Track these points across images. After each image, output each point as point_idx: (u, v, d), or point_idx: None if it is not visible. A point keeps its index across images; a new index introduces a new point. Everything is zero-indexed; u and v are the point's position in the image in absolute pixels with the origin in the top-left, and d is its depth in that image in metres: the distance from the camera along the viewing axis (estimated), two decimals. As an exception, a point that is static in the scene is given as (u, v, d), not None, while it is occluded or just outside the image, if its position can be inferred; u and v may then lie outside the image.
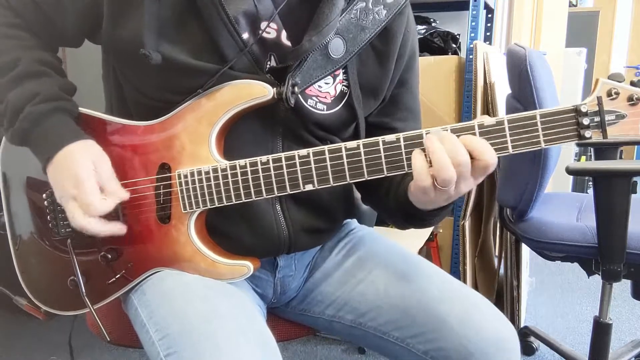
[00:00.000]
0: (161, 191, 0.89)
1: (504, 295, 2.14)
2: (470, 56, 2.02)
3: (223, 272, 0.90)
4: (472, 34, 2.05)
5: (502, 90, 2.05)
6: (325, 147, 0.81)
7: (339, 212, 1.05)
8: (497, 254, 2.47)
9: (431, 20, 2.39)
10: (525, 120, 0.75)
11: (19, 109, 0.87)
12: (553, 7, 3.31)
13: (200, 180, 0.86)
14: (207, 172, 0.86)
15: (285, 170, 0.83)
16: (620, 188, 1.40)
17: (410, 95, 1.05)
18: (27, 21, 0.94)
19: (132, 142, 0.91)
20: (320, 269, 1.07)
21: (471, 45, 2.03)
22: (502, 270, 2.27)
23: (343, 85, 0.95)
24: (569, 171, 1.46)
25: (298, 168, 0.83)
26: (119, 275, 0.93)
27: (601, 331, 1.60)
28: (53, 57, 0.96)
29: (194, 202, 0.87)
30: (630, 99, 0.74)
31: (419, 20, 2.34)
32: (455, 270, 2.14)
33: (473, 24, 2.05)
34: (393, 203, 0.96)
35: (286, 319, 1.12)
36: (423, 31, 2.31)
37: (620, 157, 2.09)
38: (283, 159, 0.83)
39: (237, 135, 0.89)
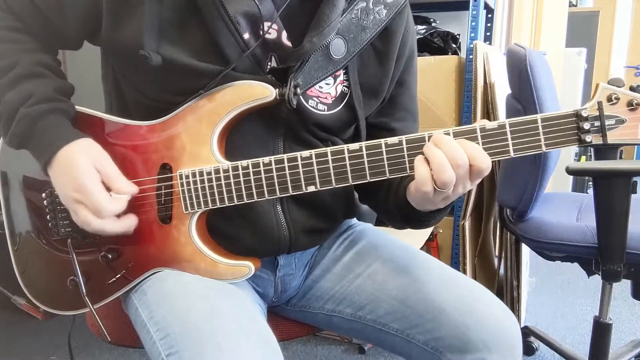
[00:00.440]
0: (162, 191, 0.89)
1: (504, 295, 2.14)
2: (470, 56, 2.02)
3: (224, 273, 0.90)
4: (472, 34, 2.05)
5: (502, 90, 2.05)
6: (328, 149, 0.81)
7: (340, 212, 1.05)
8: (497, 254, 2.47)
9: (431, 20, 2.39)
10: (526, 124, 0.76)
11: (13, 111, 0.87)
12: (553, 7, 3.31)
13: (202, 181, 0.86)
14: (209, 173, 0.86)
15: (287, 172, 0.83)
16: (620, 188, 1.40)
17: (409, 95, 1.05)
18: (27, 24, 0.94)
19: (133, 142, 0.91)
20: (320, 265, 1.07)
21: (471, 45, 2.03)
22: (502, 270, 2.27)
23: (344, 85, 0.95)
24: (569, 171, 1.46)
25: (300, 169, 0.83)
26: (119, 275, 0.93)
27: (601, 331, 1.60)
28: (52, 60, 0.96)
29: (195, 203, 0.87)
30: (630, 104, 0.75)
31: (419, 20, 2.34)
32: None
33: (473, 24, 2.05)
34: (392, 203, 0.97)
35: (286, 317, 1.12)
36: (423, 31, 2.31)
37: (620, 157, 2.08)
38: (285, 160, 0.83)
39: (238, 136, 0.89)
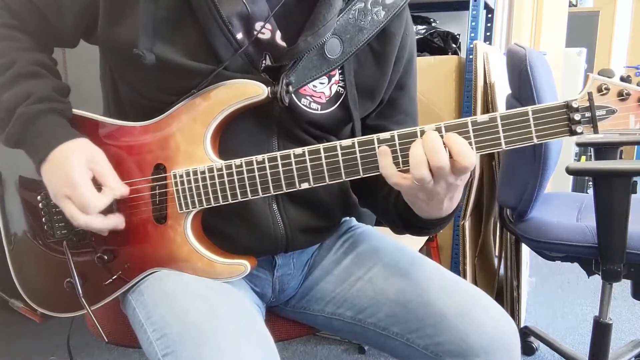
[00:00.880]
0: (157, 191, 0.89)
1: (504, 295, 2.14)
2: (470, 56, 2.02)
3: (220, 272, 0.90)
4: (472, 34, 2.05)
5: (502, 90, 2.05)
6: (321, 146, 0.81)
7: (336, 210, 1.05)
8: (497, 254, 2.47)
9: (431, 20, 2.38)
10: (517, 117, 0.76)
11: (11, 110, 0.87)
12: (553, 7, 3.31)
13: (196, 180, 0.86)
14: (203, 172, 0.86)
15: (281, 169, 0.83)
16: (620, 188, 1.40)
17: (408, 99, 1.05)
18: (24, 22, 0.94)
19: (126, 142, 0.91)
20: (319, 267, 1.07)
21: (471, 45, 2.02)
22: (502, 270, 2.27)
23: (339, 86, 0.95)
24: (569, 171, 1.46)
25: (294, 167, 0.83)
26: (115, 276, 0.93)
27: (601, 331, 1.60)
28: (49, 59, 0.96)
29: (189, 202, 0.87)
30: (620, 94, 0.75)
31: (419, 20, 2.34)
32: (455, 270, 2.14)
33: (473, 24, 2.05)
34: (393, 209, 0.97)
35: (286, 317, 1.12)
36: (423, 31, 2.31)
37: (620, 157, 2.08)
38: (279, 158, 0.83)
39: (232, 135, 0.89)
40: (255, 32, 0.87)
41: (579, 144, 2.98)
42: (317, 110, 0.93)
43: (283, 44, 0.90)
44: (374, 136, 0.80)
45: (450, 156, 0.75)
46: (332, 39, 0.89)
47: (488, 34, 2.47)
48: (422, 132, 0.78)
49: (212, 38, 0.85)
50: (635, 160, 5.11)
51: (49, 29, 0.94)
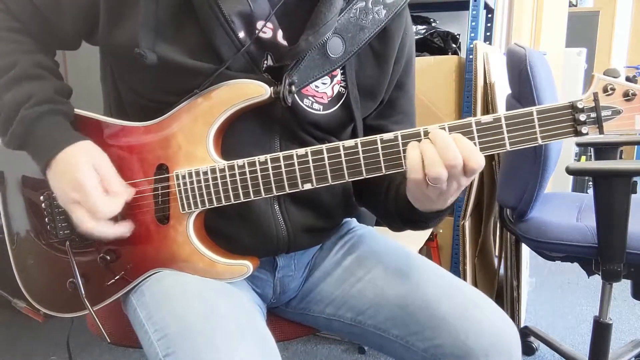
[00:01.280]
0: (159, 192, 0.89)
1: (504, 295, 2.14)
2: (470, 56, 2.02)
3: (222, 272, 0.90)
4: (472, 34, 2.05)
5: (502, 90, 2.05)
6: (324, 146, 0.81)
7: (338, 211, 1.05)
8: (497, 254, 2.47)
9: (431, 20, 2.38)
10: (522, 117, 0.76)
11: (13, 112, 0.87)
12: (553, 7, 3.31)
13: (199, 181, 0.86)
14: (205, 173, 0.86)
15: (283, 170, 0.83)
16: (620, 188, 1.40)
17: (407, 98, 1.05)
18: (25, 24, 0.94)
19: (129, 143, 0.91)
20: (320, 268, 1.07)
21: (471, 45, 2.03)
22: (502, 270, 2.27)
23: (341, 86, 0.95)
24: (569, 171, 1.46)
25: (296, 167, 0.83)
26: (118, 277, 0.93)
27: (601, 331, 1.60)
28: (50, 61, 0.96)
29: (192, 203, 0.87)
30: (625, 94, 0.75)
31: (419, 20, 2.34)
32: (455, 270, 2.14)
33: (473, 24, 2.05)
34: (391, 203, 0.96)
35: (286, 318, 1.12)
36: (423, 31, 2.31)
37: (620, 157, 2.09)
38: (281, 159, 0.83)
39: (234, 135, 0.89)
40: (257, 31, 0.87)
41: (579, 144, 2.98)
42: (320, 110, 0.93)
43: (284, 42, 0.90)
44: (377, 137, 0.80)
45: None
46: (334, 38, 0.89)
47: (488, 34, 2.47)
48: (426, 133, 0.78)
49: (214, 37, 0.85)
50: (635, 160, 5.11)
51: (50, 30, 0.94)
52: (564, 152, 2.07)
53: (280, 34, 0.90)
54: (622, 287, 1.79)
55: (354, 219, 1.18)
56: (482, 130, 0.77)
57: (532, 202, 1.64)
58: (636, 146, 5.40)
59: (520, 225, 1.70)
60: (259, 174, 0.84)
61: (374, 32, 0.92)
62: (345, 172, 0.82)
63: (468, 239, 2.10)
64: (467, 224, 2.09)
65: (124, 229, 0.89)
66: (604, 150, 1.97)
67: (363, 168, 0.81)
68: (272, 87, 0.84)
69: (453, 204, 0.87)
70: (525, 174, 1.64)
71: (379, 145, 0.80)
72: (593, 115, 0.75)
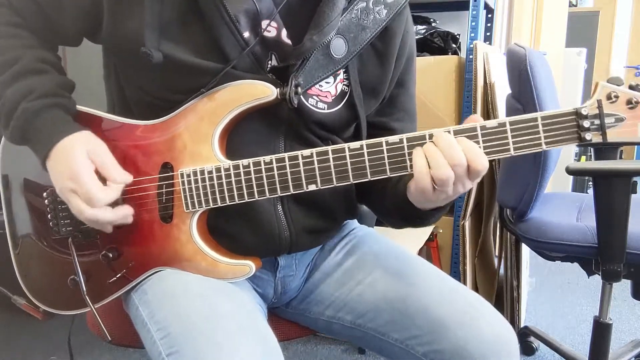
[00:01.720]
0: (163, 190, 0.89)
1: (504, 295, 2.14)
2: (470, 56, 2.02)
3: (224, 272, 0.90)
4: (472, 34, 2.05)
5: (502, 90, 2.06)
6: (329, 148, 0.81)
7: (340, 212, 1.05)
8: (497, 254, 2.47)
9: (431, 20, 2.39)
10: (526, 122, 0.76)
11: (15, 106, 0.87)
12: (553, 7, 3.31)
13: (203, 180, 0.87)
14: (210, 172, 0.86)
15: (288, 170, 0.83)
16: (620, 188, 1.40)
17: (408, 96, 1.05)
18: (27, 20, 0.94)
19: (134, 141, 0.91)
20: (320, 269, 1.07)
21: (471, 45, 2.03)
22: (502, 270, 2.27)
23: (344, 84, 0.95)
24: (569, 171, 1.46)
25: (301, 168, 0.83)
26: (119, 275, 0.94)
27: (601, 331, 1.60)
28: (53, 56, 0.96)
29: (196, 202, 0.88)
30: (629, 102, 0.75)
31: (419, 20, 2.34)
32: (455, 270, 2.14)
33: (473, 24, 2.05)
34: (390, 201, 0.97)
35: (286, 319, 1.12)
36: (423, 31, 2.31)
37: (620, 157, 2.08)
38: (286, 159, 0.83)
39: (239, 135, 0.89)
40: (261, 30, 0.87)
41: (579, 144, 2.98)
42: (324, 109, 0.93)
43: (289, 42, 0.90)
44: (383, 139, 0.80)
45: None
46: (337, 38, 0.89)
47: (488, 34, 2.47)
48: (431, 136, 0.78)
49: (219, 36, 0.85)
50: (635, 160, 5.11)
51: (51, 27, 0.94)
52: (564, 152, 2.07)
53: (284, 33, 0.90)
54: (622, 287, 1.79)
55: (355, 220, 1.18)
56: (487, 134, 0.77)
57: (532, 202, 1.65)
58: (636, 146, 5.41)
59: (520, 225, 1.70)
60: (263, 174, 0.84)
61: (376, 32, 0.92)
62: (350, 174, 0.82)
63: (468, 239, 2.10)
64: (467, 224, 2.09)
65: (124, 211, 0.89)
66: (604, 150, 1.97)
67: (368, 170, 0.81)
68: (278, 89, 0.84)
69: (452, 201, 0.87)
70: (525, 174, 1.64)
71: (384, 148, 0.80)
72: (597, 122, 0.75)
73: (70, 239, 0.94)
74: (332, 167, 0.82)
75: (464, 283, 2.10)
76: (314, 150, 0.82)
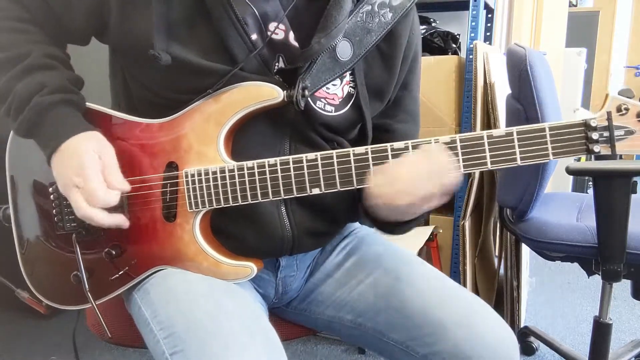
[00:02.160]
0: (168, 189, 0.90)
1: (504, 296, 2.14)
2: (470, 56, 2.02)
3: (226, 273, 0.90)
4: (472, 34, 2.05)
5: (502, 90, 2.06)
6: (334, 152, 0.82)
7: (343, 215, 1.05)
8: (497, 254, 2.48)
9: (431, 20, 2.39)
10: (534, 132, 0.76)
11: (25, 100, 0.87)
12: (553, 7, 3.31)
13: (207, 180, 0.87)
14: (215, 172, 0.86)
15: (292, 174, 0.83)
16: (620, 188, 1.40)
17: (411, 98, 1.05)
18: (36, 17, 0.94)
19: (140, 139, 0.91)
20: (321, 269, 1.07)
21: (471, 45, 2.03)
22: (502, 270, 2.27)
23: (350, 87, 0.95)
24: (569, 171, 1.46)
25: (305, 171, 0.83)
26: (122, 272, 0.94)
27: (601, 331, 1.60)
28: (62, 52, 0.96)
29: (200, 202, 0.88)
30: (639, 115, 0.75)
31: (419, 20, 2.34)
32: (455, 271, 2.14)
33: (473, 24, 2.05)
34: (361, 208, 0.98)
35: (286, 319, 1.12)
36: (423, 31, 2.31)
37: (620, 158, 2.09)
38: (291, 162, 0.83)
39: (245, 136, 0.89)
40: (269, 32, 0.87)
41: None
42: (331, 112, 0.93)
43: (296, 44, 0.90)
44: (388, 145, 0.81)
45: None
46: (343, 41, 0.89)
47: (488, 34, 2.47)
48: (437, 142, 0.79)
49: (227, 38, 0.85)
50: (635, 160, 5.12)
51: (59, 24, 0.94)
52: (564, 152, 2.06)
53: (291, 35, 0.90)
54: (622, 287, 1.79)
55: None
56: (494, 143, 0.77)
57: (532, 202, 1.65)
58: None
59: (520, 225, 1.70)
60: (267, 176, 0.84)
61: (381, 35, 0.93)
62: (354, 179, 0.82)
63: (468, 239, 2.10)
64: (467, 224, 2.09)
65: (120, 219, 0.89)
66: (604, 150, 1.96)
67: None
68: (285, 91, 0.85)
69: (423, 215, 0.90)
70: (525, 174, 1.64)
71: (389, 154, 0.81)
72: (606, 134, 0.75)
73: (74, 235, 0.94)
74: (336, 171, 0.82)
75: (464, 283, 2.10)
76: (319, 154, 0.82)
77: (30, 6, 0.94)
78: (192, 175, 0.88)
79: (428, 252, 2.18)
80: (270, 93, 0.85)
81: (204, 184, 0.87)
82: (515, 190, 1.69)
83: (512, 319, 2.11)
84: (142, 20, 0.86)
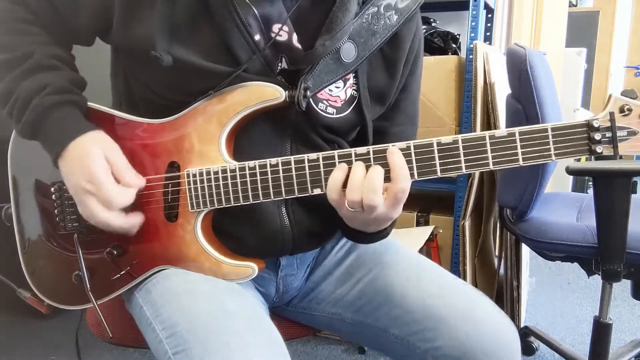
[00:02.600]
0: (169, 189, 0.90)
1: (504, 296, 2.14)
2: (470, 56, 2.02)
3: (227, 273, 0.90)
4: (472, 34, 2.05)
5: (502, 90, 2.06)
6: (335, 152, 0.82)
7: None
8: (497, 254, 2.48)
9: (431, 20, 2.39)
10: (536, 133, 0.76)
11: (28, 100, 0.87)
12: (553, 7, 3.32)
13: (209, 180, 0.87)
14: (216, 172, 0.86)
15: (294, 174, 0.83)
16: (620, 188, 1.40)
17: (411, 101, 1.05)
18: (41, 17, 0.94)
19: (142, 139, 0.91)
20: (321, 267, 1.07)
21: (471, 45, 2.03)
22: (502, 270, 2.27)
23: (353, 89, 0.95)
24: (569, 171, 1.46)
25: (307, 172, 0.83)
26: (123, 272, 0.94)
27: (601, 331, 1.60)
28: (65, 53, 0.96)
29: (201, 202, 0.88)
30: None
31: (420, 20, 2.34)
32: (455, 270, 2.14)
33: (473, 24, 2.05)
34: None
35: (287, 318, 1.13)
36: (423, 31, 2.31)
37: (620, 157, 2.09)
38: (292, 162, 0.83)
39: (246, 137, 0.90)
40: (273, 34, 0.87)
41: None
42: (333, 114, 0.93)
43: (299, 46, 0.90)
44: (389, 145, 0.80)
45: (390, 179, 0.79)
46: (347, 43, 0.89)
47: (488, 34, 2.47)
48: (439, 143, 0.79)
49: (230, 39, 0.85)
50: (635, 161, 5.12)
51: (65, 25, 0.94)
52: (564, 152, 2.06)
53: (295, 37, 0.90)
54: (622, 287, 1.79)
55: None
56: (496, 144, 0.77)
57: (532, 202, 1.65)
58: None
59: (520, 225, 1.70)
60: (269, 176, 0.84)
61: (386, 37, 0.92)
62: None
63: (468, 239, 2.10)
64: (467, 224, 2.10)
65: (137, 219, 0.89)
66: (605, 150, 1.96)
67: None
68: (287, 91, 0.84)
69: (392, 225, 0.91)
70: (525, 174, 1.64)
71: None
72: (608, 135, 0.75)
73: (76, 234, 0.95)
74: None
75: (464, 283, 2.10)
76: (320, 154, 0.82)
77: (36, 7, 0.94)
78: (194, 176, 0.88)
79: (428, 252, 2.19)
80: (272, 93, 0.84)
81: (205, 184, 0.87)
82: (515, 190, 1.70)
83: (512, 319, 2.11)
84: (146, 21, 0.86)
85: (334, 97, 0.93)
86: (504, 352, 0.89)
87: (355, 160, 0.81)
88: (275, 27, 0.88)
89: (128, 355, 2.17)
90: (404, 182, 0.78)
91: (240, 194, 0.86)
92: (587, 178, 4.14)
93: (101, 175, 0.84)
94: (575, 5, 5.76)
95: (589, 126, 0.75)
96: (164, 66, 0.84)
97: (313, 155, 0.82)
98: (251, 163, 0.85)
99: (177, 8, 0.86)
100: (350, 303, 1.02)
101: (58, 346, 2.22)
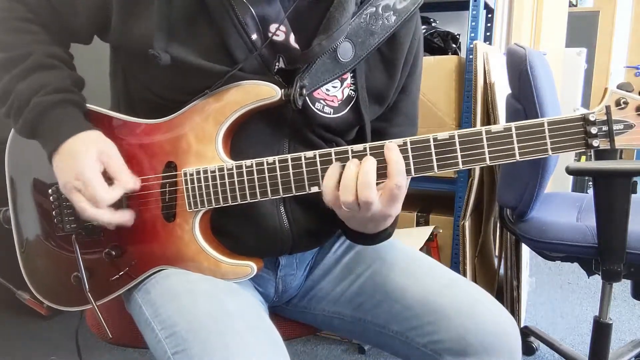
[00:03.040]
0: (167, 189, 0.90)
1: (504, 296, 2.14)
2: (470, 56, 2.02)
3: (226, 272, 0.90)
4: (472, 34, 2.05)
5: (502, 90, 2.06)
6: (332, 150, 0.82)
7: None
8: (497, 254, 2.48)
9: (431, 20, 2.39)
10: (532, 127, 0.76)
11: (27, 100, 0.88)
12: (553, 7, 3.32)
13: (206, 179, 0.87)
14: (213, 172, 0.86)
15: (291, 172, 0.83)
16: (620, 188, 1.40)
17: (410, 101, 1.05)
18: (39, 16, 0.94)
19: (139, 139, 0.91)
20: (320, 266, 1.07)
21: (471, 45, 2.03)
22: (502, 270, 2.27)
23: (350, 89, 0.95)
24: (569, 171, 1.46)
25: (304, 169, 0.83)
26: (122, 273, 0.94)
27: (601, 331, 1.60)
28: (65, 52, 0.97)
29: (199, 201, 0.88)
30: (638, 109, 0.74)
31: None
32: (455, 270, 2.10)
33: (473, 24, 2.05)
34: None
35: (287, 317, 1.12)
36: (423, 31, 2.30)
37: (620, 157, 2.09)
38: (289, 160, 0.83)
39: (243, 136, 0.90)
40: (270, 34, 0.87)
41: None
42: (330, 114, 0.93)
43: (296, 46, 0.90)
44: (386, 142, 0.80)
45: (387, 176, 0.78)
46: (345, 42, 0.89)
47: (488, 34, 2.47)
48: (436, 139, 0.79)
49: (227, 38, 0.85)
50: (635, 160, 5.11)
51: (63, 24, 0.94)
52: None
53: (292, 37, 0.90)
54: (622, 287, 1.79)
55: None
56: (492, 139, 0.77)
57: (532, 202, 1.65)
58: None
59: (520, 225, 1.70)
60: (266, 174, 0.84)
61: (384, 37, 0.92)
62: None
63: (468, 239, 2.10)
64: (467, 224, 2.09)
65: (125, 216, 0.89)
66: (605, 150, 1.96)
67: None
68: (283, 90, 0.84)
69: (393, 225, 0.91)
70: (525, 174, 1.64)
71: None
72: (605, 128, 0.74)
73: (74, 236, 0.95)
74: None
75: (464, 283, 2.10)
76: (317, 152, 0.82)
77: (35, 6, 0.94)
78: (191, 175, 0.88)
79: (428, 252, 2.19)
80: (268, 92, 0.84)
81: (202, 184, 0.87)
82: (515, 190, 1.69)
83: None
84: (143, 19, 0.86)
85: (331, 96, 0.93)
86: (505, 346, 0.89)
87: (352, 157, 0.81)
88: (273, 27, 0.88)
89: (128, 355, 2.17)
90: (399, 177, 0.78)
91: (238, 193, 0.86)
92: (587, 178, 4.14)
93: (88, 174, 0.84)
94: (575, 5, 5.76)
95: (585, 120, 0.75)
96: (161, 65, 0.84)
97: (310, 153, 0.82)
98: (248, 162, 0.85)
99: (175, 7, 0.86)
100: (350, 300, 1.02)
101: (58, 346, 2.22)
